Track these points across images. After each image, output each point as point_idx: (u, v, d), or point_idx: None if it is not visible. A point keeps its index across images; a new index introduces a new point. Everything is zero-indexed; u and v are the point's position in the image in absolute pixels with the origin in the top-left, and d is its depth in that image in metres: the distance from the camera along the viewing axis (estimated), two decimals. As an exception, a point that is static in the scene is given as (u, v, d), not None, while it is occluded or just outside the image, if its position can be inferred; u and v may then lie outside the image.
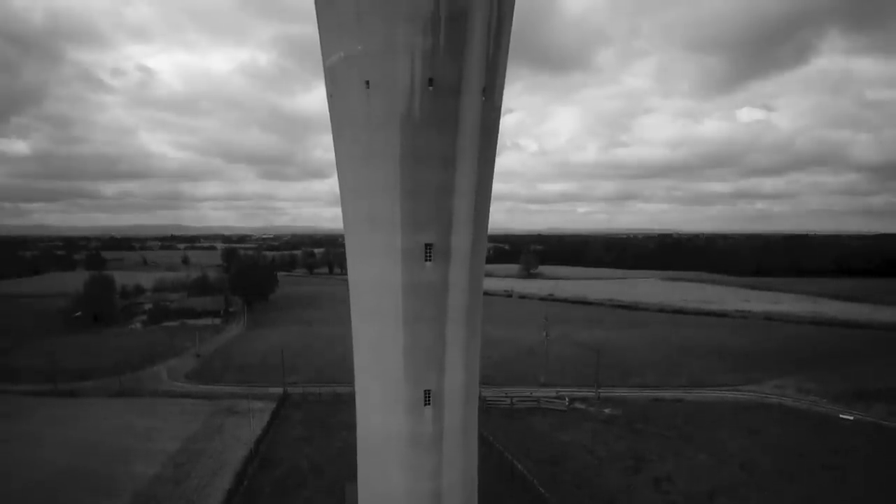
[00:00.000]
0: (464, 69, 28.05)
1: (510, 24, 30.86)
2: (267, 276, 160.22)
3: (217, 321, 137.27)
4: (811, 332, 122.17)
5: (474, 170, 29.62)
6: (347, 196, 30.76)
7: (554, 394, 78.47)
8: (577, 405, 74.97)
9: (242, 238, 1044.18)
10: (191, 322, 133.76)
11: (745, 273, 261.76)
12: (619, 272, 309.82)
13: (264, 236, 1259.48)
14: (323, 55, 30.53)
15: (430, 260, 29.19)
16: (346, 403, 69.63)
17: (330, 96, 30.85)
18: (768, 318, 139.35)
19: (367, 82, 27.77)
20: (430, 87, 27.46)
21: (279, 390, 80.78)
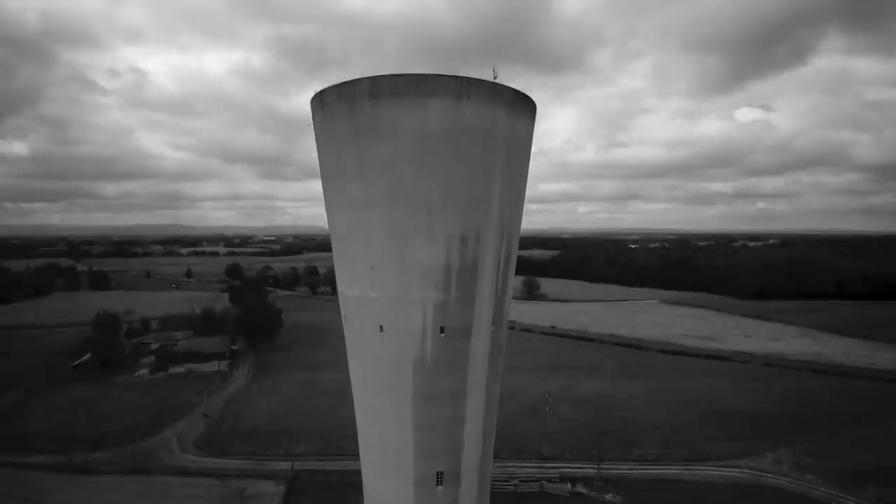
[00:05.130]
0: (474, 313, 29.35)
1: (516, 254, 32.17)
2: (271, 317, 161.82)
3: (223, 365, 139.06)
4: (811, 385, 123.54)
5: (483, 398, 30.99)
6: (362, 421, 32.17)
7: (556, 474, 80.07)
8: (580, 488, 76.63)
9: (245, 241, 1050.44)
10: (197, 368, 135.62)
11: (746, 296, 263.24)
12: (621, 291, 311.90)
13: (266, 237, 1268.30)
14: (338, 280, 31.81)
15: (441, 485, 30.64)
16: (354, 486, 71.36)
17: (344, 318, 32.18)
18: (768, 363, 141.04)
19: (381, 326, 29.09)
20: (442, 334, 28.75)
21: (288, 466, 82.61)
